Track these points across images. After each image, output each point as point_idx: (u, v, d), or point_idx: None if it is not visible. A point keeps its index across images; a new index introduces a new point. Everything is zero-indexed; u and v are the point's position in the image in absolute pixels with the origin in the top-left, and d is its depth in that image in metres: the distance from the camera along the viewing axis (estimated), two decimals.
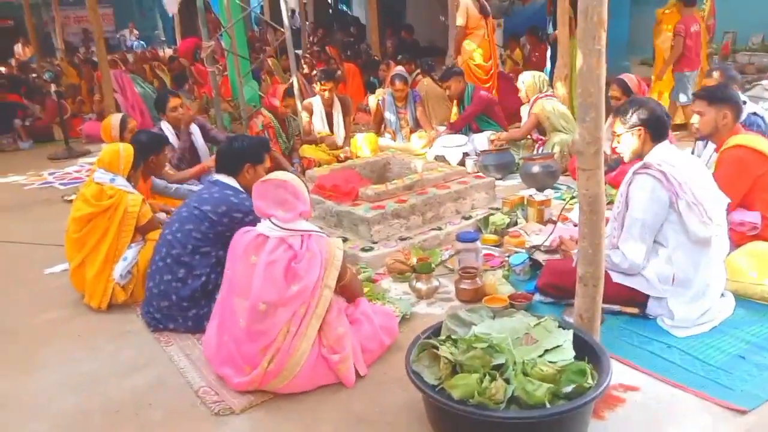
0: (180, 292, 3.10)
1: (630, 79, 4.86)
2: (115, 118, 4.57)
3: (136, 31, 19.73)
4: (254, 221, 2.79)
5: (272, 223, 2.61)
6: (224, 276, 2.74)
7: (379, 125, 6.69)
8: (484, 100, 6.23)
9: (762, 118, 3.86)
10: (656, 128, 2.94)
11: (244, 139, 3.39)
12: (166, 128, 5.06)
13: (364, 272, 3.62)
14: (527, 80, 5.77)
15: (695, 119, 3.53)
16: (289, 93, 5.88)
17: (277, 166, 5.57)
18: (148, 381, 2.81)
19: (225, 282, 2.72)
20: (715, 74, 4.53)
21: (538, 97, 5.65)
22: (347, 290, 2.78)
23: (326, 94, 6.18)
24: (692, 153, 4.16)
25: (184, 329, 3.14)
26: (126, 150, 3.69)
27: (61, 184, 6.58)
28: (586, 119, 2.28)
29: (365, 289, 3.33)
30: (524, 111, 5.93)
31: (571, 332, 2.30)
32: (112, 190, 3.55)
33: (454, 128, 6.25)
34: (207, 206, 3.10)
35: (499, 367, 2.12)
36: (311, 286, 2.52)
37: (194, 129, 5.20)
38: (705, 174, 2.96)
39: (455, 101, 6.52)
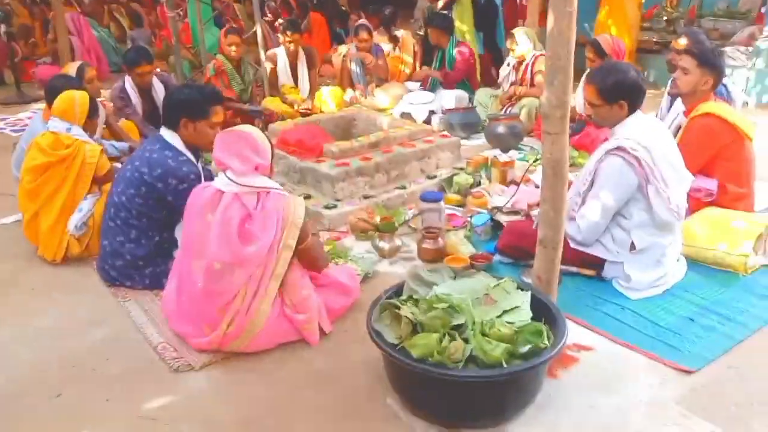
0: (135, 252, 3.03)
1: (605, 40, 4.78)
2: (71, 67, 4.38)
3: None
4: (188, 190, 2.67)
5: (227, 177, 2.52)
6: (182, 234, 2.69)
7: (345, 82, 6.56)
8: (469, 58, 6.20)
9: (725, 86, 3.87)
10: (636, 99, 2.90)
11: (187, 90, 3.09)
12: (129, 83, 4.88)
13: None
14: (523, 37, 5.55)
15: (677, 74, 3.48)
16: (229, 32, 5.69)
17: (236, 112, 5.47)
18: (106, 336, 2.78)
19: (182, 241, 2.67)
20: (683, 41, 4.45)
21: (537, 55, 5.45)
22: (307, 255, 2.61)
23: (291, 46, 6.01)
24: (656, 115, 4.20)
25: (142, 286, 3.08)
26: (81, 98, 3.55)
27: (12, 130, 6.32)
28: (554, 83, 2.26)
29: (327, 247, 3.34)
30: (506, 68, 5.86)
31: (529, 293, 2.34)
32: (69, 139, 3.44)
33: (448, 80, 6.16)
34: (144, 168, 2.93)
35: (458, 327, 2.15)
36: (266, 247, 2.46)
37: (157, 86, 4.98)
38: (673, 148, 2.96)
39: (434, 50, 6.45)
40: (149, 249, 3.04)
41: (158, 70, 6.93)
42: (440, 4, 7.13)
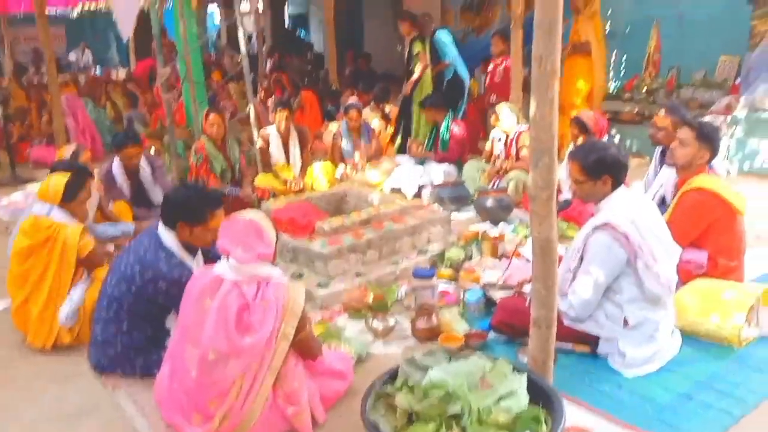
0: (126, 342, 3.00)
1: (588, 117, 4.93)
2: (66, 149, 4.46)
3: (88, 51, 19.38)
4: (179, 294, 2.63)
5: (229, 263, 2.51)
6: (178, 319, 2.66)
7: (336, 158, 6.69)
8: (463, 137, 6.35)
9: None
10: (619, 174, 2.97)
11: (185, 192, 3.00)
12: (117, 166, 4.97)
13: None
14: (507, 112, 5.74)
15: (674, 145, 3.56)
16: (210, 111, 5.79)
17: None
18: (94, 428, 2.72)
19: (178, 326, 2.64)
20: (662, 112, 4.53)
21: (520, 132, 5.61)
22: (303, 346, 2.57)
23: (283, 124, 6.15)
24: (644, 187, 4.27)
25: (133, 375, 3.03)
26: (55, 180, 3.57)
27: (5, 212, 6.32)
28: (539, 164, 2.34)
29: (320, 328, 3.32)
30: (498, 143, 5.99)
31: (525, 376, 2.32)
32: (47, 221, 3.44)
33: (448, 159, 6.26)
34: (137, 266, 2.89)
35: (455, 415, 2.12)
36: (264, 339, 2.42)
37: (145, 167, 5.06)
38: (660, 222, 3.01)
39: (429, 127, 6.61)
40: (141, 340, 3.00)
41: (153, 149, 7.08)
42: (408, 88, 7.07)
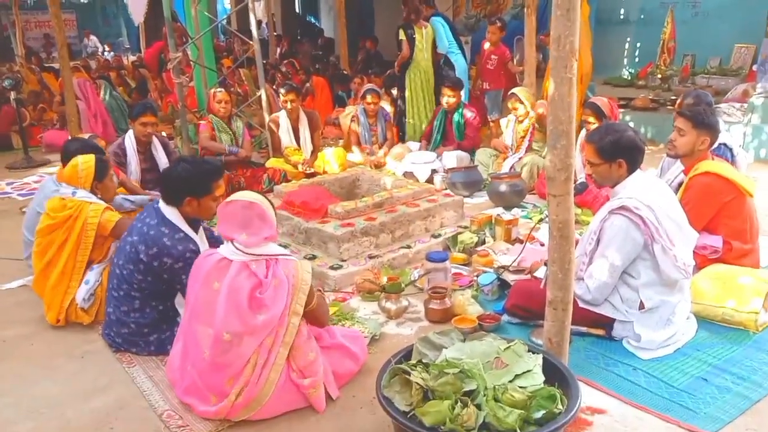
0: (139, 320, 3.01)
1: (603, 102, 4.86)
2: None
3: (93, 37, 19.42)
4: (184, 268, 2.63)
5: (234, 246, 2.49)
6: (186, 300, 2.65)
7: (353, 143, 6.68)
8: (479, 123, 6.37)
9: (731, 149, 3.88)
10: (635, 158, 2.93)
11: (190, 164, 2.95)
12: (129, 139, 4.97)
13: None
14: (525, 94, 5.78)
15: (673, 136, 3.54)
16: (218, 90, 5.93)
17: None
18: (110, 404, 2.73)
19: (187, 307, 2.62)
20: (690, 100, 4.35)
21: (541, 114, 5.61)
22: (313, 315, 2.60)
23: (288, 105, 6.10)
24: (660, 172, 4.23)
25: (147, 353, 3.05)
26: (85, 162, 3.61)
27: (19, 194, 6.37)
28: (557, 146, 2.31)
29: (333, 309, 3.32)
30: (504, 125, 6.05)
31: (540, 357, 2.31)
32: (72, 202, 3.47)
33: (462, 148, 6.24)
34: (141, 246, 2.88)
35: (470, 393, 2.12)
36: (278, 315, 2.42)
37: (157, 145, 5.08)
38: (676, 206, 2.98)
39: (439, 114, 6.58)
40: (153, 317, 3.02)
41: (163, 133, 7.09)
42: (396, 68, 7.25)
